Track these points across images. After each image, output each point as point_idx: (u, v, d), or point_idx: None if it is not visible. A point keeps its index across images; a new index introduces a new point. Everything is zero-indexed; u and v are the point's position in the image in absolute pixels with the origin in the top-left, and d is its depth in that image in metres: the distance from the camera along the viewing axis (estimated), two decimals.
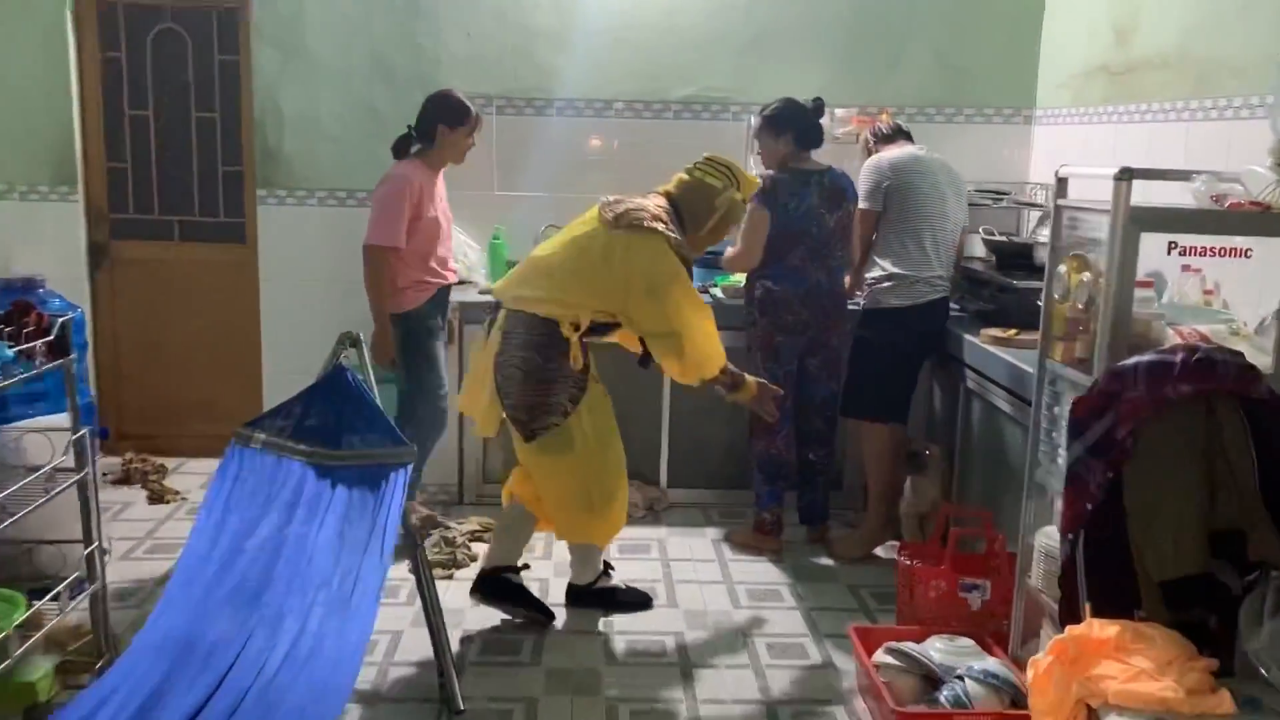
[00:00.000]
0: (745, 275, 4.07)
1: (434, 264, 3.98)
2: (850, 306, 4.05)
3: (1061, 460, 2.67)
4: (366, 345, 3.25)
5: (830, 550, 4.06)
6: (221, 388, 5.03)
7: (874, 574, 3.87)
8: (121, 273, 4.99)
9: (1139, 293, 2.46)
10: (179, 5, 4.81)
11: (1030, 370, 3.26)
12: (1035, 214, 4.73)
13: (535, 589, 3.56)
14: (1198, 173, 2.57)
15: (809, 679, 3.12)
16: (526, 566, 3.65)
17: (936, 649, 2.87)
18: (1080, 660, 2.01)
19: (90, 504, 2.88)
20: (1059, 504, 2.75)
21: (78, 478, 2.88)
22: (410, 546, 3.09)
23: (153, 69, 4.88)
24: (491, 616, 3.46)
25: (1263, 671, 2.00)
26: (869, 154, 4.12)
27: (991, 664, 2.75)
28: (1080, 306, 2.53)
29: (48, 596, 2.84)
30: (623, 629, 3.41)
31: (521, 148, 4.80)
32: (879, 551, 4.03)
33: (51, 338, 2.79)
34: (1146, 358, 2.11)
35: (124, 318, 5.02)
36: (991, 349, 3.60)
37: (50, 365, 2.79)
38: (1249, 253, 2.48)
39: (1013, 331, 3.65)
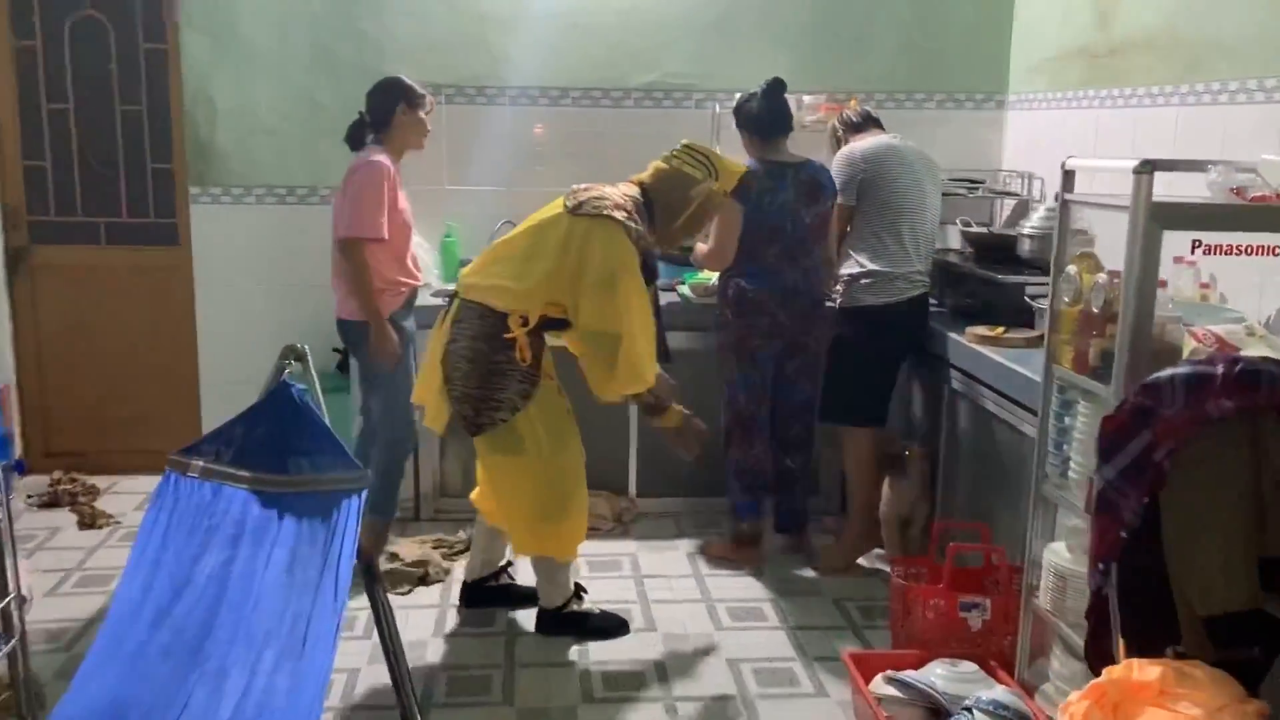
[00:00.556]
0: (717, 274, 3.85)
1: (409, 263, 3.69)
2: (826, 305, 3.84)
3: (1074, 474, 2.50)
4: (312, 358, 3.00)
5: (812, 561, 3.86)
6: (156, 400, 4.72)
7: (859, 586, 3.69)
8: (43, 280, 4.65)
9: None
10: None
11: (1023, 371, 3.12)
12: (1009, 203, 4.57)
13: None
14: (1213, 163, 2.39)
15: (803, 711, 2.92)
16: (510, 564, 3.51)
17: (939, 676, 2.68)
18: (1122, 708, 1.82)
19: (6, 550, 2.58)
20: (1070, 520, 2.59)
21: None
22: (367, 577, 2.84)
23: (72, 59, 4.54)
24: (458, 650, 3.21)
25: None
26: (838, 145, 3.92)
27: (1000, 693, 2.57)
28: (1095, 310, 2.34)
29: None
30: (600, 659, 3.18)
31: (473, 139, 4.53)
32: (862, 561, 3.85)
33: None
34: (1183, 370, 1.92)
35: (47, 328, 4.68)
36: (979, 348, 3.42)
37: None
38: (1278, 250, 2.30)
39: (1000, 330, 3.47)
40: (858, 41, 4.64)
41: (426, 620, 3.38)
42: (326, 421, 2.94)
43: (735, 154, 3.95)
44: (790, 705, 2.94)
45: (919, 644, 2.92)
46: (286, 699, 2.30)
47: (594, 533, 4.04)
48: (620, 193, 3.16)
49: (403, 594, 3.56)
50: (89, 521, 4.17)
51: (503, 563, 3.52)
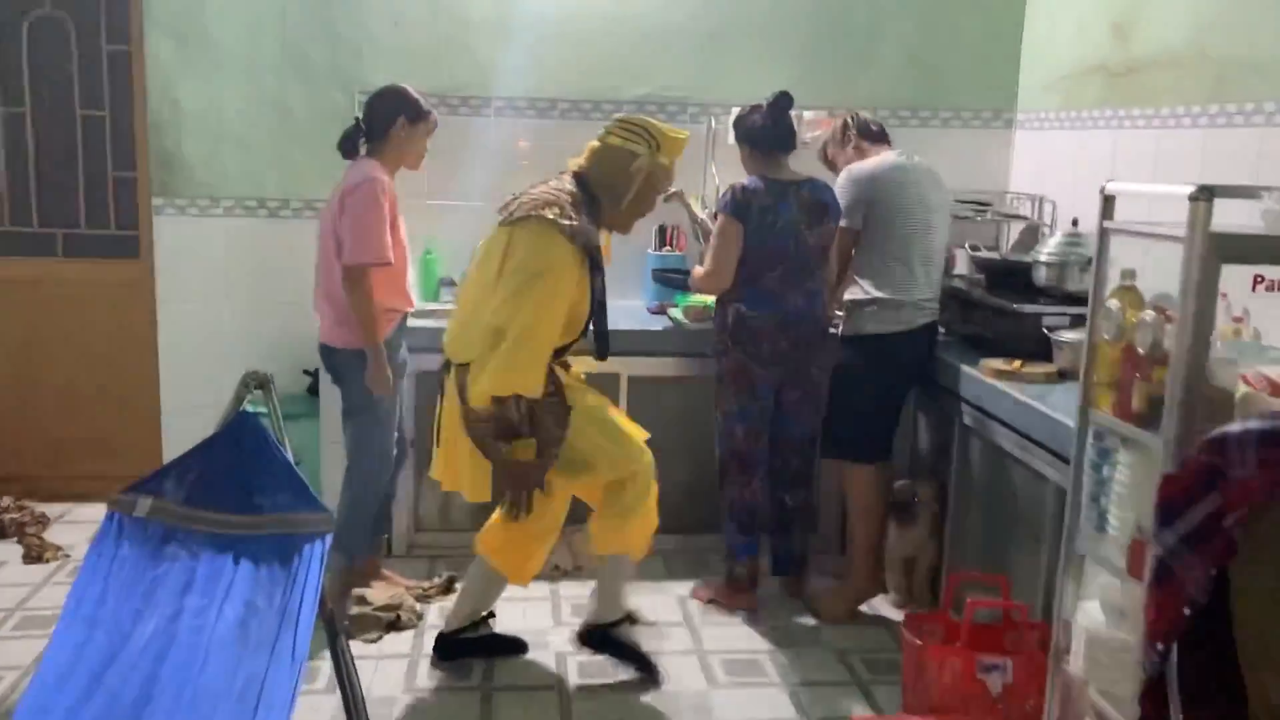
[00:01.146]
0: (713, 297, 3.61)
1: (406, 288, 3.44)
2: (830, 331, 3.61)
3: (1113, 530, 2.26)
4: (275, 386, 2.75)
5: (812, 607, 3.61)
6: (114, 424, 4.46)
7: (863, 636, 3.45)
8: None
9: None
10: None
11: (1043, 409, 2.89)
12: (1016, 226, 4.36)
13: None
14: (1268, 189, 2.17)
15: None
16: (492, 615, 3.29)
17: None
18: None
19: None
20: (1102, 577, 2.35)
21: None
22: (330, 630, 2.58)
23: (30, 60, 4.28)
24: (430, 710, 2.95)
25: None
26: (843, 145, 3.67)
27: None
28: (1141, 351, 2.11)
29: None
30: None
31: (456, 152, 4.27)
32: (864, 608, 3.61)
33: None
34: (1255, 425, 1.69)
35: None
36: (996, 383, 3.19)
37: None
38: None
39: (1017, 364, 3.24)
40: (860, 55, 4.44)
41: (396, 672, 3.12)
42: (290, 456, 2.70)
43: (733, 169, 3.75)
44: None
45: (933, 708, 2.69)
46: None
47: (579, 572, 3.81)
48: (550, 188, 2.97)
49: (371, 641, 3.30)
50: (36, 554, 3.88)
51: (485, 612, 3.26)
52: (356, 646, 3.21)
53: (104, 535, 2.54)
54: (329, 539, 2.59)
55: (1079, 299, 3.43)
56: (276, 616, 2.43)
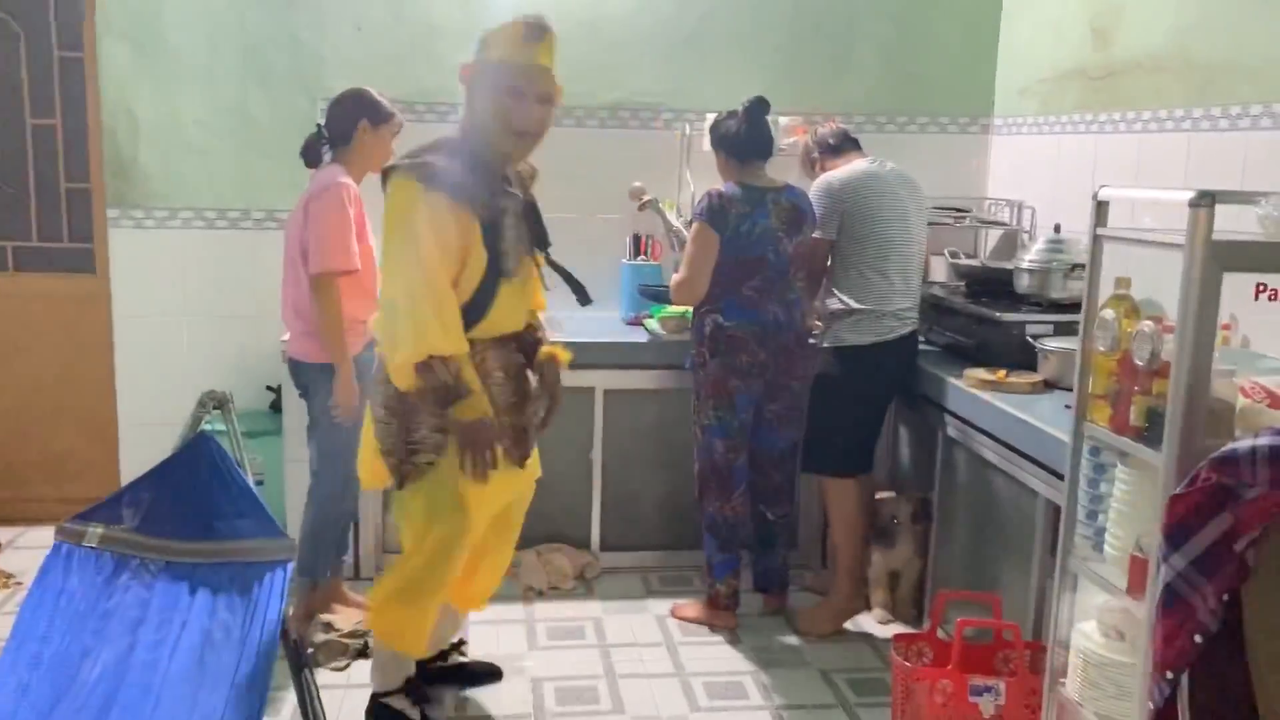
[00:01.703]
0: (690, 307, 3.51)
1: (375, 296, 3.28)
2: (810, 341, 3.52)
3: (1111, 549, 2.18)
4: (233, 406, 2.63)
5: (794, 625, 3.52)
6: (70, 444, 4.30)
7: (847, 654, 3.35)
8: None
9: None
10: None
11: (1029, 420, 2.81)
12: (994, 233, 4.30)
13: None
14: (1265, 194, 2.10)
15: None
16: (463, 641, 3.16)
17: None
18: None
19: None
20: (1099, 597, 2.27)
21: None
22: (293, 660, 2.46)
23: None
24: None
25: None
26: (812, 167, 3.62)
27: None
28: (1139, 363, 2.03)
29: None
30: None
31: None
32: (848, 625, 3.51)
33: None
34: (1265, 441, 1.61)
35: None
36: (980, 394, 3.11)
37: None
38: None
39: (1002, 373, 3.16)
40: (837, 60, 4.36)
41: (364, 702, 2.98)
42: (250, 480, 2.58)
43: (708, 177, 3.66)
44: None
45: None
46: None
47: (554, 592, 3.69)
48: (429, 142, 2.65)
49: (338, 669, 3.17)
50: None
51: (455, 639, 3.13)
52: (323, 675, 3.08)
53: (50, 567, 2.42)
54: (290, 567, 2.47)
55: (1063, 306, 3.37)
56: (236, 649, 2.31)
